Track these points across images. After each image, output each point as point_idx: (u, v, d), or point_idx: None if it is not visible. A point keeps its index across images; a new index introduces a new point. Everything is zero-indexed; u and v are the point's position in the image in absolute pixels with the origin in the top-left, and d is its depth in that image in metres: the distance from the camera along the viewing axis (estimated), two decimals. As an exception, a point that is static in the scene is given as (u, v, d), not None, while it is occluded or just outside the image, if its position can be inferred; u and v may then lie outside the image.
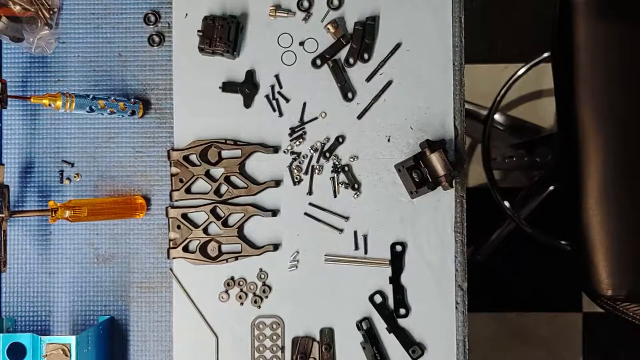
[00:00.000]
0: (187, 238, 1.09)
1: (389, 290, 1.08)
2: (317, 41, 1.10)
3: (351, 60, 1.09)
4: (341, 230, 1.09)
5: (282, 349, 1.09)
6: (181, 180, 1.09)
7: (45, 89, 1.12)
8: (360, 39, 1.09)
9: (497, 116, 1.86)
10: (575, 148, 1.27)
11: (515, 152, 1.87)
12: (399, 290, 1.08)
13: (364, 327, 1.07)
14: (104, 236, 1.11)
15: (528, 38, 1.96)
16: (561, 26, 1.30)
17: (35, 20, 1.09)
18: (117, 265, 1.11)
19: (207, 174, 1.10)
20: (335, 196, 1.10)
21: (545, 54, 1.79)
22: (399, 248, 1.08)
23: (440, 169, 1.03)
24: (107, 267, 1.11)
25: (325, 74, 1.10)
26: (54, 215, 1.00)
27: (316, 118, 1.10)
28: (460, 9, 1.10)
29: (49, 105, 1.02)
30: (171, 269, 1.10)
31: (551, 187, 1.72)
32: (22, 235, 1.12)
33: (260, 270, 1.10)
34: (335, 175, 1.10)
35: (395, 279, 1.08)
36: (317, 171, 1.10)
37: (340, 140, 1.10)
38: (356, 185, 1.09)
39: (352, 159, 1.10)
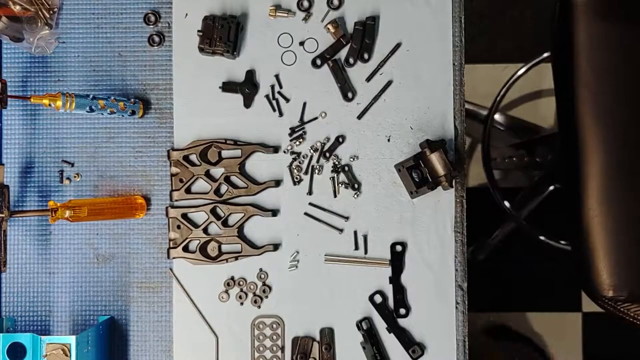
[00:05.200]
0: (187, 238, 1.09)
1: (389, 290, 1.08)
2: (317, 41, 1.10)
3: (351, 60, 1.09)
4: (341, 230, 1.09)
5: (282, 349, 1.09)
6: (181, 180, 1.09)
7: (45, 89, 1.12)
8: (360, 39, 1.09)
9: (497, 116, 1.86)
10: (575, 148, 1.27)
11: (515, 152, 1.87)
12: (399, 290, 1.08)
13: (364, 327, 1.07)
14: (104, 236, 1.11)
15: (528, 38, 1.96)
16: (561, 26, 1.30)
17: (35, 20, 1.09)
18: (117, 265, 1.11)
19: (207, 174, 1.10)
20: (335, 196, 1.10)
21: (545, 54, 1.79)
22: (399, 248, 1.08)
23: (440, 169, 1.03)
24: (107, 267, 1.11)
25: (325, 74, 1.10)
26: (54, 215, 1.00)
27: (316, 118, 1.10)
28: (460, 9, 1.10)
29: (49, 105, 1.02)
30: (171, 269, 1.10)
31: (551, 187, 1.72)
32: (22, 235, 1.12)
33: (260, 270, 1.10)
34: (335, 175, 1.10)
35: (395, 279, 1.08)
36: (317, 171, 1.10)
37: (340, 140, 1.10)
38: (356, 185, 1.09)
39: (352, 159, 1.10)
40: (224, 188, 1.10)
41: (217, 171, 1.10)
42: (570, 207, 1.30)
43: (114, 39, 1.12)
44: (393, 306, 1.08)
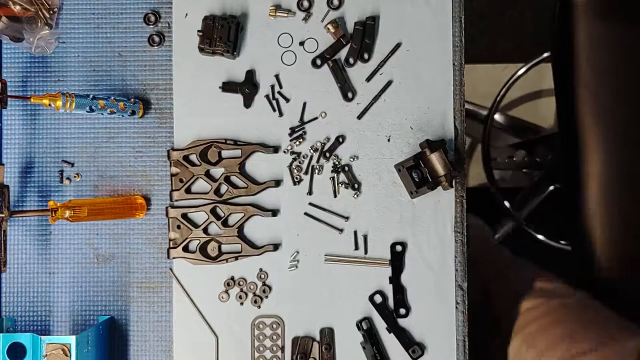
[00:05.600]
0: (187, 238, 1.09)
1: (389, 290, 1.08)
2: (317, 41, 1.10)
3: (351, 60, 1.09)
4: (341, 230, 1.09)
5: (282, 349, 1.09)
6: (181, 180, 1.09)
7: (45, 89, 1.12)
8: (360, 39, 1.09)
9: (497, 116, 1.86)
10: (575, 148, 1.27)
11: (515, 152, 1.87)
12: (399, 290, 1.08)
13: (364, 327, 1.07)
14: (104, 236, 1.11)
15: (528, 38, 1.96)
16: (561, 26, 1.30)
17: (35, 20, 1.09)
18: (117, 265, 1.11)
19: (207, 174, 1.10)
20: (335, 196, 1.10)
21: (545, 54, 1.79)
22: (399, 248, 1.08)
23: (440, 169, 1.03)
24: (107, 267, 1.11)
25: (325, 74, 1.10)
26: (54, 215, 1.00)
27: (316, 118, 1.10)
28: (460, 9, 1.10)
29: (49, 105, 1.02)
30: (171, 269, 1.10)
31: (551, 187, 1.72)
32: (22, 235, 1.12)
33: (260, 270, 1.10)
34: (335, 175, 1.10)
35: (395, 279, 1.08)
36: (317, 171, 1.10)
37: (340, 140, 1.10)
38: (356, 185, 1.09)
39: (352, 159, 1.10)
40: (224, 188, 1.10)
41: (217, 171, 1.10)
42: (570, 207, 1.30)
43: (114, 39, 1.12)
44: (393, 306, 1.08)
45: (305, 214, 1.09)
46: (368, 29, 1.09)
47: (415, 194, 1.05)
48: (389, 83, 1.09)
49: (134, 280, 1.11)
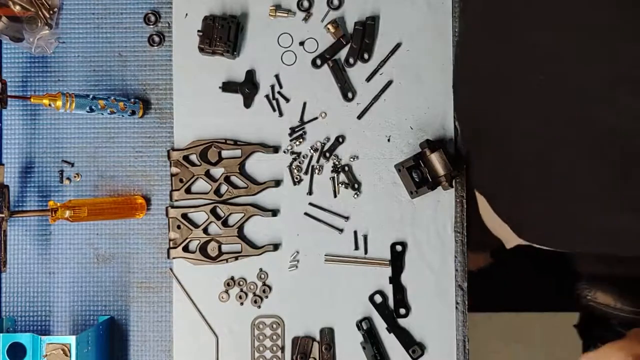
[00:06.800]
0: (187, 238, 1.09)
1: (389, 290, 1.08)
2: (317, 41, 1.10)
3: (351, 60, 1.10)
4: (341, 230, 1.09)
5: (282, 349, 1.09)
6: (181, 180, 1.09)
7: (45, 89, 1.12)
8: (360, 39, 1.09)
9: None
10: None
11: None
12: (399, 290, 1.08)
13: (364, 327, 1.07)
14: (104, 236, 1.11)
15: (528, 38, 1.95)
16: None
17: (35, 20, 1.09)
18: (117, 265, 1.11)
19: (207, 174, 1.10)
20: (335, 196, 1.10)
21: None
22: (399, 248, 1.08)
23: (440, 169, 1.03)
24: (107, 267, 1.11)
25: (325, 74, 1.10)
26: (54, 215, 1.00)
27: (316, 118, 1.10)
28: (460, 9, 1.10)
29: (49, 105, 1.02)
30: (171, 269, 1.10)
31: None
32: (22, 235, 1.12)
33: (260, 270, 1.10)
34: (335, 175, 1.10)
35: (395, 279, 1.08)
36: (317, 171, 1.10)
37: (340, 140, 1.10)
38: (356, 185, 1.09)
39: (352, 159, 1.10)
40: (224, 188, 1.10)
41: (217, 171, 1.10)
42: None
43: (114, 39, 1.12)
44: (393, 306, 1.08)
45: (305, 214, 1.10)
46: (368, 29, 1.09)
47: (415, 194, 1.05)
48: (389, 83, 1.10)
49: (134, 280, 1.11)
